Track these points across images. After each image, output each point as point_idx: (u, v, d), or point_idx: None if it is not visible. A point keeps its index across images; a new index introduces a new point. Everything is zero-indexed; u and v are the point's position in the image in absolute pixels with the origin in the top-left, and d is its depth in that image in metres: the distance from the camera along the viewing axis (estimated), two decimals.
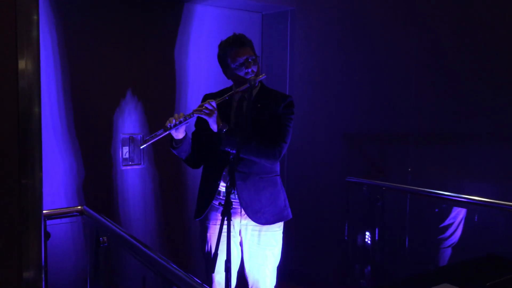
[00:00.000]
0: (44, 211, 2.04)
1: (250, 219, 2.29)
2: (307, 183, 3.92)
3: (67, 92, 3.11)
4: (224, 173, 2.30)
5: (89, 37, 3.18)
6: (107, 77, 3.26)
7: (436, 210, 3.08)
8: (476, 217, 2.93)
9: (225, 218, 1.89)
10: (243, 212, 2.29)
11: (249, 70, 2.26)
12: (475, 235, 2.94)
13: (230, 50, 2.27)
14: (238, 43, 2.27)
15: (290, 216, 2.42)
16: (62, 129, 3.10)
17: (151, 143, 2.15)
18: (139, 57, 3.39)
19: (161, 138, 2.15)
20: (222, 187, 2.31)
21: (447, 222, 3.01)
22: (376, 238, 3.39)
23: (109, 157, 3.30)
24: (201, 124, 2.34)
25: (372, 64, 3.46)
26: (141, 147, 2.20)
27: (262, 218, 2.28)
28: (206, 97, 2.41)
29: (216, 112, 2.18)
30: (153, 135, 2.14)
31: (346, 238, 3.51)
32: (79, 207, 2.32)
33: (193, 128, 2.46)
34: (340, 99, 3.67)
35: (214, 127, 2.19)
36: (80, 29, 3.14)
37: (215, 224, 2.35)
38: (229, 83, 2.44)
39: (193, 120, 2.37)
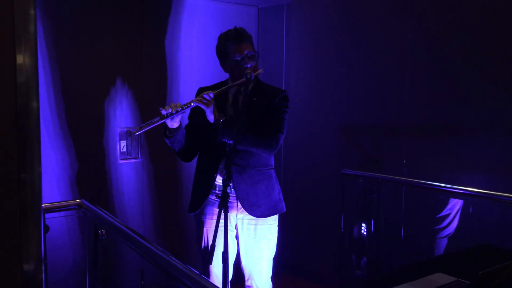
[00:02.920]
0: (43, 205, 2.05)
1: (246, 213, 2.31)
2: (303, 176, 3.94)
3: (56, 85, 3.08)
4: (220, 166, 2.31)
5: (77, 28, 3.14)
6: (96, 69, 3.24)
7: (435, 199, 3.10)
8: (470, 208, 2.96)
9: (222, 211, 1.91)
10: (239, 205, 2.30)
11: (248, 65, 2.25)
12: (469, 225, 2.97)
13: (230, 44, 2.28)
14: (238, 38, 2.28)
15: (284, 209, 2.44)
16: (53, 123, 3.08)
17: (146, 130, 2.14)
18: (130, 48, 3.37)
19: (156, 126, 2.14)
20: (219, 180, 2.32)
21: (444, 212, 3.04)
22: (372, 229, 3.42)
23: (101, 150, 3.29)
24: (197, 116, 2.34)
25: (367, 57, 3.47)
26: (136, 134, 2.21)
27: (257, 211, 2.30)
28: (201, 90, 2.41)
29: (213, 102, 2.18)
30: (148, 122, 2.13)
31: (342, 230, 3.53)
32: (78, 200, 2.33)
33: (187, 120, 2.46)
34: (335, 92, 3.68)
35: (211, 117, 2.19)
36: (68, 20, 3.11)
37: (212, 219, 2.36)
38: (222, 74, 2.45)
39: (187, 114, 2.37)
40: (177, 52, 3.60)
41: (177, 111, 2.13)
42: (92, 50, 3.21)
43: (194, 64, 3.69)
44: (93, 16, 3.20)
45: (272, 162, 2.41)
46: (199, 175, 2.41)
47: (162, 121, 2.14)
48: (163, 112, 2.13)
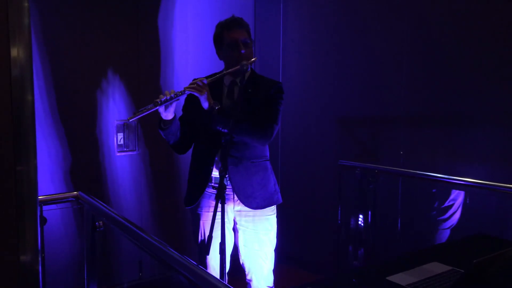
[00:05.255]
0: (40, 197, 2.06)
1: (242, 205, 2.31)
2: (300, 167, 3.95)
3: (47, 76, 3.05)
4: (216, 158, 2.31)
5: (68, 18, 3.11)
6: (89, 59, 3.21)
7: (434, 190, 3.11)
8: (467, 199, 2.98)
9: (219, 201, 1.91)
10: (236, 197, 2.30)
11: (242, 51, 2.26)
12: (466, 215, 2.98)
13: (226, 31, 2.29)
14: (234, 25, 2.29)
15: (281, 200, 2.44)
16: (45, 115, 3.06)
17: (140, 117, 2.13)
18: (122, 39, 3.34)
19: (150, 113, 2.13)
20: (215, 173, 2.31)
21: (446, 204, 3.05)
22: (369, 220, 3.43)
23: (95, 142, 3.27)
24: (191, 106, 2.34)
25: (364, 48, 3.47)
26: (130, 120, 2.19)
27: (253, 202, 2.30)
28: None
29: (207, 89, 2.18)
30: (142, 109, 2.12)
31: (339, 221, 3.55)
32: (75, 192, 2.34)
33: (181, 112, 2.46)
34: (332, 83, 3.68)
35: (205, 104, 2.18)
36: (58, 10, 3.08)
37: (208, 211, 2.35)
38: (218, 65, 2.45)
39: (181, 105, 2.37)
40: (171, 42, 3.57)
41: (171, 98, 2.12)
42: (83, 41, 3.18)
43: (189, 54, 3.65)
44: (84, 5, 3.17)
45: (267, 153, 2.41)
46: (195, 168, 2.41)
47: (156, 108, 2.13)
48: (157, 100, 2.13)
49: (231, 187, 2.29)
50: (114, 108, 3.34)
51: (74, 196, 2.33)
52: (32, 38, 2.92)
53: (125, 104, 3.39)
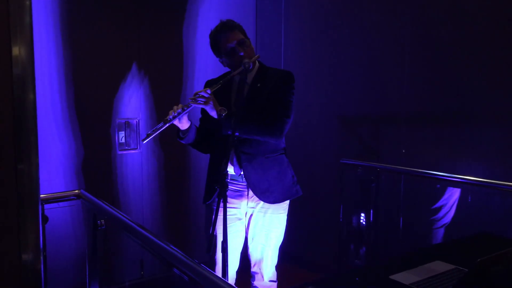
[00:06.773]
0: (41, 195, 2.06)
1: (257, 202, 2.32)
2: (301, 166, 3.94)
3: (68, 74, 3.09)
4: (231, 155, 2.31)
5: (91, 15, 3.14)
6: (109, 57, 3.24)
7: (438, 186, 3.10)
8: (469, 197, 2.97)
9: (221, 200, 1.92)
10: (250, 193, 2.32)
11: (241, 53, 2.26)
12: (468, 214, 2.98)
13: (220, 37, 2.28)
14: (226, 29, 2.28)
15: (300, 192, 2.45)
16: (62, 111, 3.09)
17: (153, 137, 2.17)
18: (144, 37, 3.36)
19: (163, 130, 2.17)
20: (230, 169, 2.33)
21: (440, 203, 3.05)
22: (371, 219, 3.43)
23: (108, 140, 3.31)
24: (204, 112, 2.36)
25: (365, 45, 3.46)
26: (144, 142, 2.23)
27: (270, 197, 2.31)
28: (208, 83, 2.43)
29: (211, 99, 2.19)
30: (154, 128, 2.16)
31: (341, 219, 3.54)
32: (77, 191, 2.33)
33: (197, 116, 2.48)
34: (334, 81, 3.68)
35: (212, 113, 2.20)
36: (81, 6, 3.10)
37: (221, 206, 2.38)
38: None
39: (197, 108, 2.38)
40: (194, 44, 3.58)
41: (178, 113, 2.15)
42: (105, 41, 3.22)
43: (210, 55, 3.66)
44: (108, 5, 3.21)
45: (283, 145, 2.41)
46: (212, 165, 2.43)
47: (166, 126, 2.16)
48: (167, 117, 2.16)
49: (245, 183, 2.30)
50: (128, 107, 3.36)
51: (75, 195, 2.33)
52: (54, 33, 2.97)
53: (140, 103, 3.40)
